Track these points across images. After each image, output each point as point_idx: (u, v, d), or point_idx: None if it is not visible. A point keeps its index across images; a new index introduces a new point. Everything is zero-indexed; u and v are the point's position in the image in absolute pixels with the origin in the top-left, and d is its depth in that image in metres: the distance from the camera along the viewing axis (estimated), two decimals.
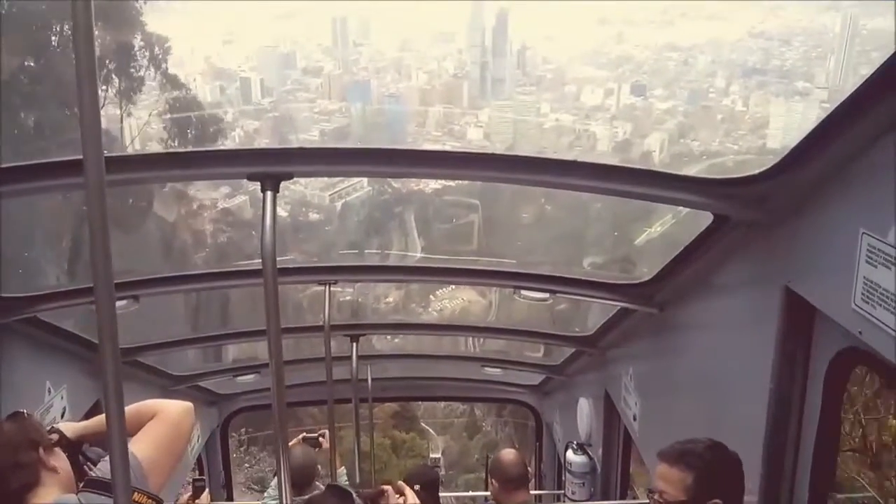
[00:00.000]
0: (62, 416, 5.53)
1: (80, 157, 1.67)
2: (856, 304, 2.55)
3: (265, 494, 5.80)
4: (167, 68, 31.89)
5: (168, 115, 31.76)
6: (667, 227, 28.10)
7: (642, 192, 3.60)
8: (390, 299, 33.60)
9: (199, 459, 9.58)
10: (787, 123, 40.14)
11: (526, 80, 50.49)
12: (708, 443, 3.07)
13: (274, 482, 5.19)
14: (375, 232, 39.13)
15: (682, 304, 4.61)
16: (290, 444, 5.48)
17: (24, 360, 5.11)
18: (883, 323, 2.40)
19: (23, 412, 2.81)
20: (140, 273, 5.30)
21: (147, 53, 30.56)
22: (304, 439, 5.94)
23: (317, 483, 5.39)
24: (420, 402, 31.38)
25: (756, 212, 3.27)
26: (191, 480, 5.85)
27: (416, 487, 6.01)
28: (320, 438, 6.01)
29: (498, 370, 9.30)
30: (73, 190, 3.61)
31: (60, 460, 2.76)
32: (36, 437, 2.70)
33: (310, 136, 45.67)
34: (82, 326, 5.76)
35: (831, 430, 3.16)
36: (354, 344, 6.92)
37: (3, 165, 3.50)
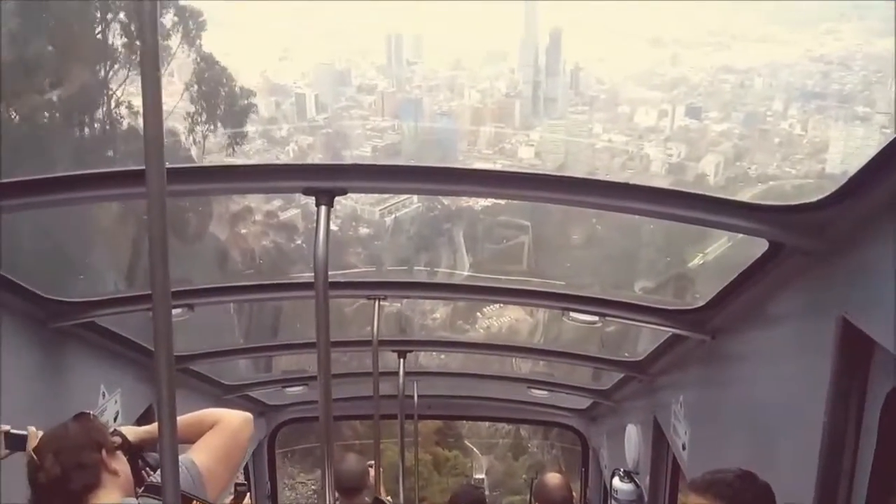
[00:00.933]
0: (115, 420, 5.66)
1: (143, 167, 1.73)
2: None
3: None
4: (201, 45, 31.99)
5: (195, 87, 31.72)
6: (721, 251, 27.61)
7: (695, 216, 3.55)
8: (437, 315, 33.66)
9: (245, 469, 9.69)
10: (847, 148, 39.16)
11: (579, 100, 50.31)
12: (738, 472, 3.04)
13: None
14: (424, 248, 39.32)
15: (734, 332, 4.52)
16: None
17: (80, 364, 5.26)
18: None
19: (88, 413, 2.89)
20: (195, 282, 5.43)
21: (181, 28, 30.86)
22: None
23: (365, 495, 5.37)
24: (465, 422, 31.19)
25: (813, 240, 3.20)
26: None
27: None
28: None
29: (544, 392, 9.23)
30: (134, 199, 3.72)
31: (122, 464, 2.81)
32: (100, 438, 2.76)
33: (362, 153, 46.25)
34: (137, 333, 5.90)
35: (887, 467, 3.06)
36: (402, 360, 6.95)
37: (67, 174, 3.63)
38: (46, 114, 24.66)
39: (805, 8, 47.79)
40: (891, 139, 2.54)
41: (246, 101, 34.55)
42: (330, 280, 3.51)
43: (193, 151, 31.12)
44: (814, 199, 3.08)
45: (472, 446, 33.88)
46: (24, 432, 2.80)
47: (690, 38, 50.46)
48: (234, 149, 32.97)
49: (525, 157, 47.88)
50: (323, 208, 3.41)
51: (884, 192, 2.68)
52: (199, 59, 31.95)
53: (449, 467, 30.55)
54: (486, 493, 11.49)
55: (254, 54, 50.02)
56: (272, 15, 51.78)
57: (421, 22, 51.84)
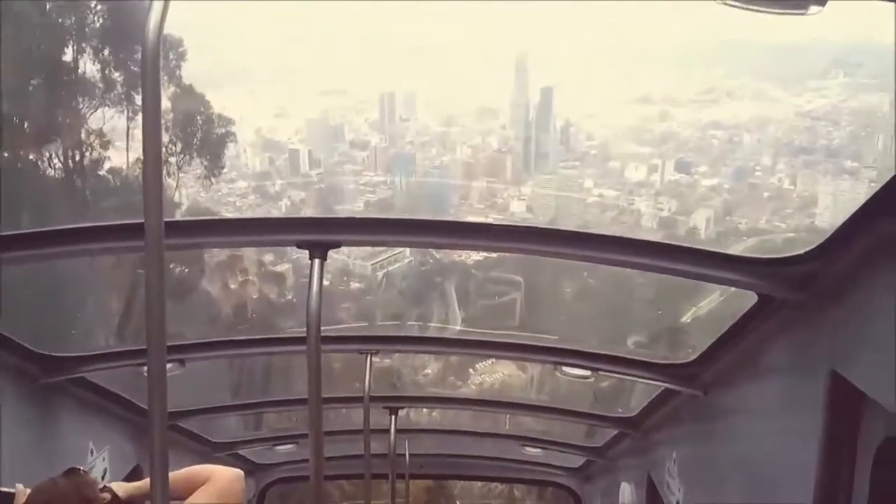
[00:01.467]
0: (103, 478, 5.58)
1: (141, 220, 1.76)
2: None
3: None
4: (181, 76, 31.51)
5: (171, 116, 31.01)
6: (713, 306, 27.62)
7: (686, 269, 3.60)
8: (428, 371, 33.36)
9: None
10: (836, 202, 39.57)
11: (569, 155, 50.79)
12: None
13: None
14: (416, 303, 39.18)
15: (726, 386, 4.53)
16: None
17: (69, 420, 5.21)
18: None
19: (78, 469, 2.86)
20: (186, 338, 5.41)
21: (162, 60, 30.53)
22: None
23: None
24: (457, 481, 30.58)
25: (801, 293, 3.24)
26: None
27: None
28: None
29: (538, 451, 9.14)
30: (131, 253, 3.76)
31: None
32: (90, 494, 2.74)
33: (354, 208, 46.45)
34: (126, 389, 5.86)
35: None
36: (393, 417, 6.89)
37: (65, 227, 3.66)
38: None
39: (792, 66, 48.81)
40: (871, 194, 2.60)
41: (224, 130, 34.18)
42: (322, 335, 3.52)
43: (170, 182, 30.55)
44: (800, 251, 3.13)
45: None
46: (11, 490, 2.77)
47: (679, 95, 51.35)
48: (211, 180, 32.45)
49: (517, 212, 48.08)
50: (316, 261, 3.44)
51: (867, 244, 2.73)
52: (177, 89, 31.51)
53: None
54: None
55: (250, 111, 50.70)
56: (269, 73, 52.59)
57: (414, 79, 52.72)
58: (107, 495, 2.87)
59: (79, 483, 2.77)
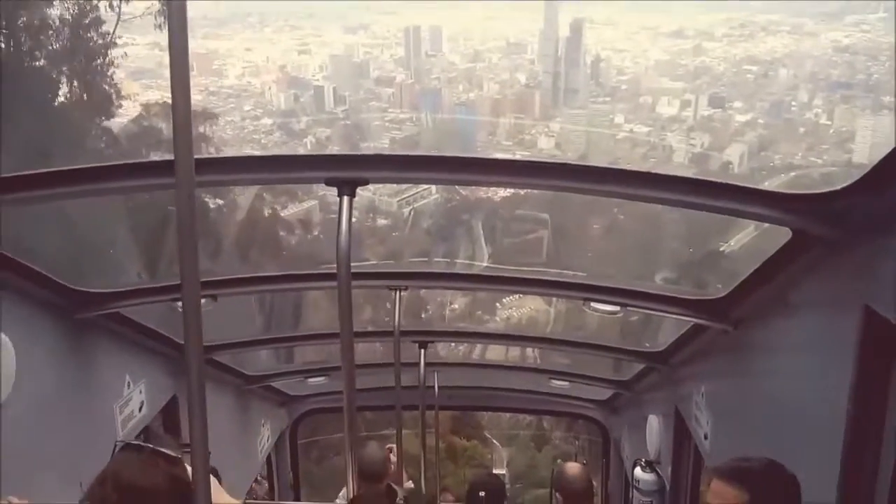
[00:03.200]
0: (140, 410, 5.75)
1: (171, 158, 1.76)
2: None
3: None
4: None
5: None
6: (746, 241, 27.36)
7: (718, 205, 3.53)
8: (456, 306, 33.65)
9: (268, 460, 9.78)
10: (875, 137, 38.71)
11: (599, 90, 50.04)
12: (765, 461, 2.98)
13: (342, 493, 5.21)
14: (443, 239, 39.33)
15: (757, 321, 4.50)
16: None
17: (105, 355, 5.34)
18: None
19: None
20: (218, 273, 5.49)
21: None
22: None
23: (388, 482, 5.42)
24: (485, 413, 31.00)
25: (836, 229, 3.17)
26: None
27: (482, 494, 6.02)
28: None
29: (565, 383, 9.22)
30: (163, 189, 3.79)
31: None
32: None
33: (380, 145, 46.33)
34: (160, 324, 5.97)
35: None
36: (423, 350, 6.98)
37: (96, 165, 3.68)
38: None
39: (832, 2, 47.28)
40: None
41: None
42: (352, 271, 3.54)
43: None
44: (837, 187, 3.06)
45: (491, 437, 33.61)
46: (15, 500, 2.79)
47: (713, 30, 50.01)
48: None
49: (545, 148, 47.70)
50: (345, 198, 3.44)
51: None
52: None
53: (467, 458, 29.82)
54: (508, 486, 11.48)
55: (272, 49, 50.36)
56: (292, 10, 52.03)
57: (439, 14, 51.81)
58: None
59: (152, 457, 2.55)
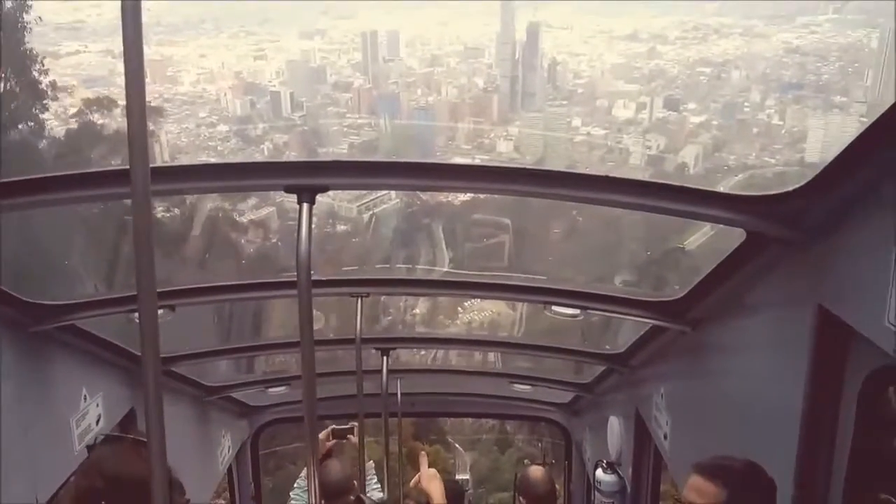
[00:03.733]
0: (97, 423, 5.62)
1: (127, 167, 1.73)
2: (890, 322, 2.51)
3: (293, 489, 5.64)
4: None
5: None
6: (704, 240, 27.77)
7: (674, 208, 3.58)
8: (417, 311, 33.54)
9: (229, 471, 9.64)
10: (827, 137, 39.77)
11: (556, 94, 50.50)
12: (746, 462, 3.02)
13: (303, 474, 5.10)
14: (403, 244, 39.21)
15: (714, 322, 4.57)
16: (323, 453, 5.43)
17: (61, 368, 5.21)
18: None
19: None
20: (176, 283, 5.39)
21: None
22: (333, 431, 5.74)
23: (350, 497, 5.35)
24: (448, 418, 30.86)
25: (790, 229, 3.23)
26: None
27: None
28: (349, 435, 5.77)
29: (527, 387, 9.25)
30: (118, 199, 3.71)
31: None
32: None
33: (339, 150, 46.09)
34: (117, 336, 5.85)
35: (865, 451, 3.11)
36: (385, 357, 6.95)
37: (50, 175, 3.60)
38: None
39: (781, 3, 48.45)
40: (862, 130, 2.59)
41: None
42: (313, 279, 3.51)
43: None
44: (790, 188, 3.12)
45: (454, 442, 33.51)
46: None
47: (666, 33, 50.89)
48: None
49: (504, 152, 47.98)
50: (305, 206, 3.40)
51: (857, 181, 2.73)
52: None
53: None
54: (471, 490, 11.47)
55: (228, 54, 49.89)
56: (247, 15, 51.61)
57: (396, 18, 51.86)
58: None
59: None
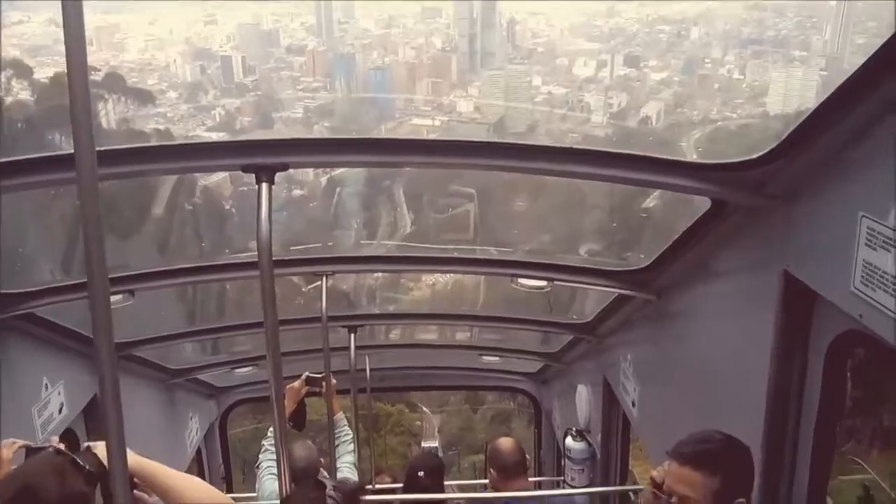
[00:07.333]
0: (59, 412, 5.51)
1: (72, 151, 1.64)
2: (855, 287, 2.52)
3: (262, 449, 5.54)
4: None
5: None
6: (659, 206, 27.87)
7: (638, 178, 3.56)
8: (379, 274, 33.18)
9: (198, 453, 9.56)
10: (787, 89, 40.24)
11: (516, 53, 50.21)
12: (723, 439, 2.91)
13: (270, 431, 5.01)
14: (364, 208, 38.73)
15: (680, 290, 4.58)
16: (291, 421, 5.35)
17: (20, 357, 5.07)
18: (882, 305, 2.37)
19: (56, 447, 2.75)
20: (135, 268, 5.24)
21: None
22: (307, 379, 5.66)
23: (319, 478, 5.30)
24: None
25: (754, 196, 3.23)
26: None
27: (420, 474, 6.02)
28: (323, 383, 5.66)
29: (496, 358, 9.27)
30: (65, 185, 3.57)
31: None
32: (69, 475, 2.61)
33: (294, 114, 45.35)
34: (79, 322, 5.71)
35: (831, 414, 3.15)
36: (352, 335, 6.90)
37: None
38: None
39: None
40: (827, 95, 2.56)
41: None
42: (275, 258, 3.44)
43: None
44: (754, 155, 3.10)
45: (420, 405, 32.95)
46: None
47: None
48: None
49: (464, 111, 47.71)
50: (264, 185, 3.34)
51: (821, 147, 2.72)
52: None
53: (392, 424, 27.74)
54: (441, 454, 11.51)
55: (177, 20, 48.59)
56: None
57: None
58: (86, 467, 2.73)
59: (56, 463, 2.63)
